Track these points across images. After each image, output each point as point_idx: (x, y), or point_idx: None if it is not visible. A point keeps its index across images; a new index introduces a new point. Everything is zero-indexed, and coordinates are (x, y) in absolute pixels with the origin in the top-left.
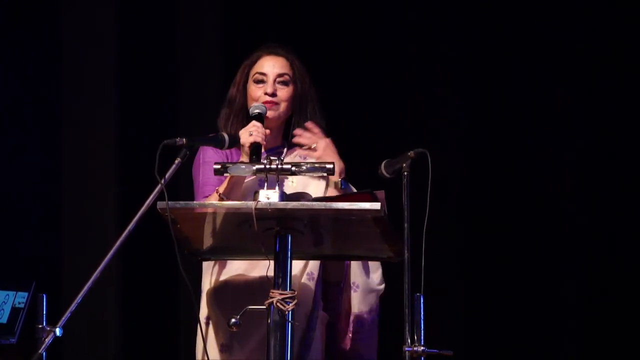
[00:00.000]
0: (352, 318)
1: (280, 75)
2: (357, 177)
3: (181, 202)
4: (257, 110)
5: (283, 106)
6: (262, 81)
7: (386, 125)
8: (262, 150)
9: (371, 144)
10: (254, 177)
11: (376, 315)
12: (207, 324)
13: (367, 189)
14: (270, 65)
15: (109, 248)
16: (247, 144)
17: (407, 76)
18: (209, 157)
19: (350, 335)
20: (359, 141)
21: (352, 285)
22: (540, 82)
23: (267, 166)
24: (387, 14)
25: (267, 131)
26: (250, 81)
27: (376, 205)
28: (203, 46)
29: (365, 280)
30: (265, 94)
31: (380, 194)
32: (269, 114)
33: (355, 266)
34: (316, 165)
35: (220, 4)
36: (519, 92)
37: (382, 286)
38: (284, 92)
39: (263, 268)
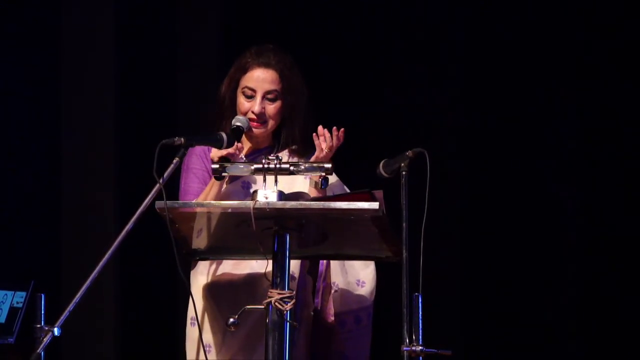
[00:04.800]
0: (332, 318)
1: (268, 92)
2: (356, 177)
3: (179, 202)
4: (237, 124)
5: (271, 122)
6: (250, 96)
7: (385, 124)
8: (251, 151)
9: (370, 143)
10: (234, 183)
11: (365, 315)
12: (192, 324)
13: (366, 189)
14: (260, 80)
15: (108, 248)
16: (215, 158)
17: (406, 75)
18: (192, 164)
19: (332, 320)
20: (358, 141)
21: (332, 285)
22: (540, 81)
23: (266, 166)
24: (387, 13)
25: (240, 145)
26: (239, 91)
27: (374, 205)
28: (203, 46)
29: (345, 280)
30: (252, 112)
31: (379, 193)
32: (256, 131)
33: (335, 265)
34: (314, 165)
35: (221, 4)
36: (518, 92)
37: (372, 285)
38: (271, 108)
39: (247, 267)
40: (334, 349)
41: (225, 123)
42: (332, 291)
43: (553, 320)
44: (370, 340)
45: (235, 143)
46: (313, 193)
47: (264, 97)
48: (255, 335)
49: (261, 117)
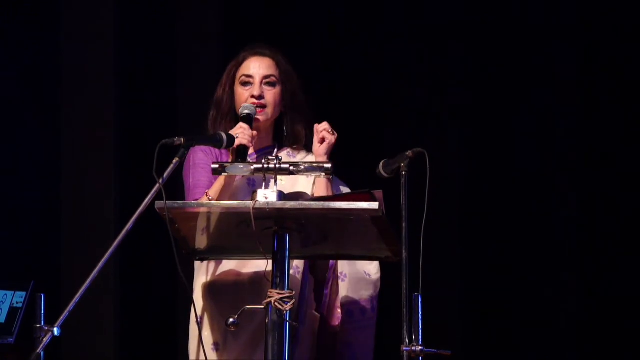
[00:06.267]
0: (339, 308)
1: (266, 77)
2: (356, 177)
3: (179, 202)
4: (246, 111)
5: (271, 108)
6: (248, 83)
7: (385, 124)
8: (252, 150)
9: (370, 143)
10: (242, 178)
11: (370, 306)
12: (198, 323)
13: (366, 189)
14: (257, 67)
15: (107, 248)
16: (233, 146)
17: (406, 75)
18: (199, 159)
19: (338, 324)
20: (358, 141)
21: (340, 275)
22: (540, 80)
23: (265, 166)
24: (387, 13)
25: (255, 132)
26: (236, 83)
27: (374, 205)
28: (203, 46)
29: (354, 269)
30: (252, 96)
31: (379, 193)
32: (257, 117)
33: None
34: (314, 165)
35: (220, 3)
36: (518, 92)
37: (377, 276)
38: (271, 94)
39: (252, 266)
40: (341, 339)
41: (224, 123)
42: (340, 281)
43: (553, 320)
44: (374, 333)
45: (251, 131)
46: (321, 182)
47: (262, 83)
48: (262, 335)
49: (261, 100)
